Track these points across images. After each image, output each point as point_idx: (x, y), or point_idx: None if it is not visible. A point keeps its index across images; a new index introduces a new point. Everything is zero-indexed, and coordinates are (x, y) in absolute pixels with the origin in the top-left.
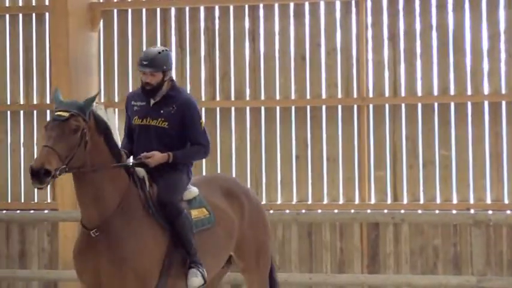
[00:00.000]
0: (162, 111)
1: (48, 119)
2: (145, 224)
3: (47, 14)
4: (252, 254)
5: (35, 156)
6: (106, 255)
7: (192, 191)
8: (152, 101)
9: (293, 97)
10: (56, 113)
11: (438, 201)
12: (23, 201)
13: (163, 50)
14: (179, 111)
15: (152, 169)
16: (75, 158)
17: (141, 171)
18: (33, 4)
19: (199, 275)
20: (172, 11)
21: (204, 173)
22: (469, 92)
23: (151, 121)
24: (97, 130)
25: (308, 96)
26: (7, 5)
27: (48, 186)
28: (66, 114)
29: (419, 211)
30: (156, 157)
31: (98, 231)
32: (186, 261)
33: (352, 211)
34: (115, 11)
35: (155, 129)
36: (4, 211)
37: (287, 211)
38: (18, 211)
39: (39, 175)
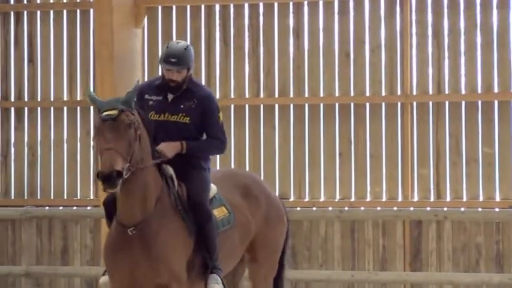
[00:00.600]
0: (182, 106)
1: (91, 115)
2: (177, 226)
3: (91, 11)
4: (263, 254)
5: (100, 161)
6: (142, 254)
7: (212, 189)
8: (171, 96)
9: (337, 94)
10: (104, 113)
11: (481, 198)
12: (65, 197)
13: (187, 46)
14: (200, 106)
15: (177, 167)
16: (135, 154)
17: (168, 170)
18: (78, 0)
19: (220, 282)
20: (217, 7)
21: (247, 170)
22: None
23: (171, 116)
24: (142, 123)
25: (352, 94)
26: (51, 1)
27: (91, 182)
28: (115, 111)
29: (462, 209)
30: (166, 146)
31: (135, 230)
32: (206, 265)
33: (395, 208)
34: (159, 7)
35: (175, 124)
36: (47, 207)
37: (330, 208)
38: (61, 207)
39: (112, 178)
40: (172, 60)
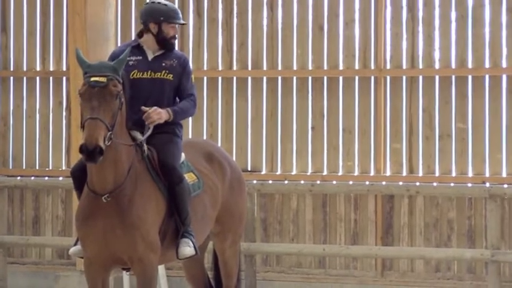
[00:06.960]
0: (163, 64)
1: (64, 86)
2: (151, 191)
3: None
4: (229, 222)
5: (84, 131)
6: (117, 221)
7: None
8: (151, 55)
9: (310, 67)
10: (92, 79)
11: (454, 174)
12: (37, 167)
13: None
14: (180, 65)
15: (151, 134)
16: (116, 123)
17: (137, 135)
18: None
19: (192, 245)
20: None
21: (220, 142)
22: (487, 65)
23: (155, 74)
24: (123, 89)
25: (325, 67)
26: None
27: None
28: (103, 79)
29: (435, 184)
30: (158, 110)
31: (109, 197)
32: (178, 231)
33: (367, 183)
34: None
35: (158, 81)
36: (19, 177)
37: (302, 182)
38: (32, 178)
39: (95, 154)
40: (180, 15)
